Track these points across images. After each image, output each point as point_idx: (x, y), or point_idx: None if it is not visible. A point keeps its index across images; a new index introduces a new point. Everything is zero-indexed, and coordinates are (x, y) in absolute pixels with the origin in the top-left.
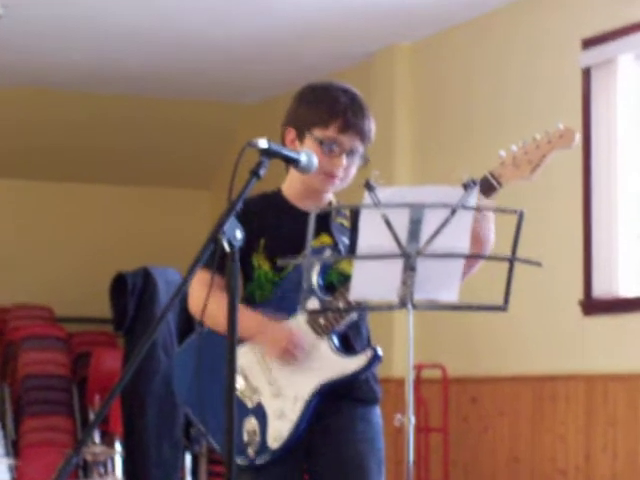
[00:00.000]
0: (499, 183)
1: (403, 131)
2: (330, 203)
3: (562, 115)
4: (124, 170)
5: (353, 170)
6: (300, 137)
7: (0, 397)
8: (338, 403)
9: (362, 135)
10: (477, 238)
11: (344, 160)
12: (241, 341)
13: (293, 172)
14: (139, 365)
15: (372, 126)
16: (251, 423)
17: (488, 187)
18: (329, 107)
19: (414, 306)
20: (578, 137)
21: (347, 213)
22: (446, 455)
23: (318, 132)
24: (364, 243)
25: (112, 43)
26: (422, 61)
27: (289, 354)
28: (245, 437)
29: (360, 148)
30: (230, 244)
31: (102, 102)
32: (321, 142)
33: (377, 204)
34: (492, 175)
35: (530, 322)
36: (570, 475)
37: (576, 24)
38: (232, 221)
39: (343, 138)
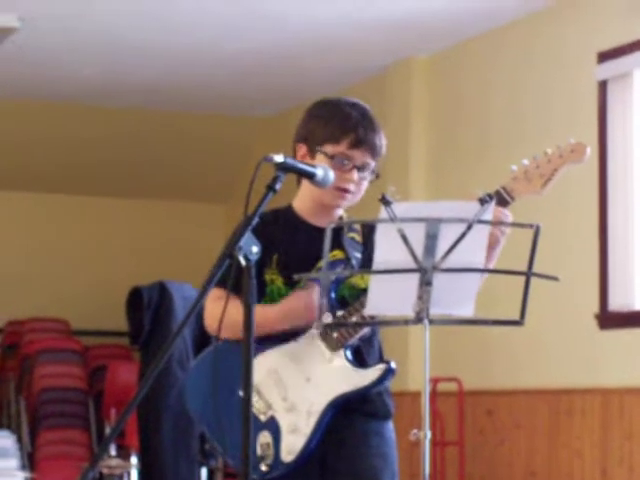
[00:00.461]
0: (511, 197)
1: (419, 145)
2: (341, 218)
3: (578, 128)
4: (140, 184)
5: (365, 185)
6: (311, 153)
7: (16, 410)
8: (352, 417)
9: (373, 150)
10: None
11: (355, 175)
12: (257, 348)
13: (305, 188)
14: (155, 380)
15: (383, 141)
16: (265, 437)
17: (500, 201)
18: (340, 123)
19: (430, 321)
20: (589, 151)
21: (358, 228)
22: (462, 469)
23: (329, 148)
24: (380, 258)
25: (125, 57)
26: (438, 74)
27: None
28: (259, 451)
29: (371, 163)
30: (246, 259)
31: (117, 116)
32: (332, 158)
33: (393, 219)
34: (504, 189)
35: (546, 336)
36: None
37: (592, 37)
38: (248, 236)
39: (355, 153)
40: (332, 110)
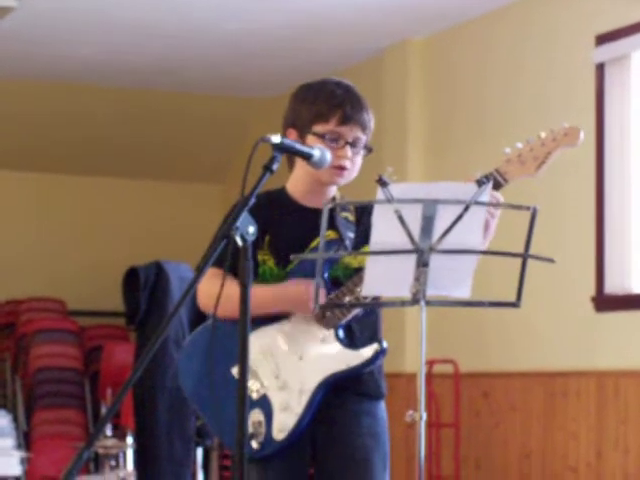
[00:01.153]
0: (505, 180)
1: (415, 126)
2: (334, 198)
3: (575, 111)
4: (136, 164)
5: (359, 160)
6: (302, 136)
7: (12, 390)
8: (344, 397)
9: (362, 125)
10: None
11: (349, 151)
12: (254, 325)
13: (299, 169)
14: (151, 360)
15: (371, 115)
16: (256, 415)
17: (494, 184)
18: (327, 102)
19: (427, 302)
20: (583, 135)
21: (352, 207)
22: (457, 450)
23: (319, 127)
24: (377, 239)
25: (124, 37)
26: (434, 56)
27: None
28: (250, 429)
29: (362, 137)
30: (243, 239)
31: (113, 95)
32: (323, 136)
33: (390, 200)
34: (498, 172)
35: (542, 318)
36: (581, 472)
37: (590, 20)
38: (245, 216)
39: (345, 130)
40: (317, 91)
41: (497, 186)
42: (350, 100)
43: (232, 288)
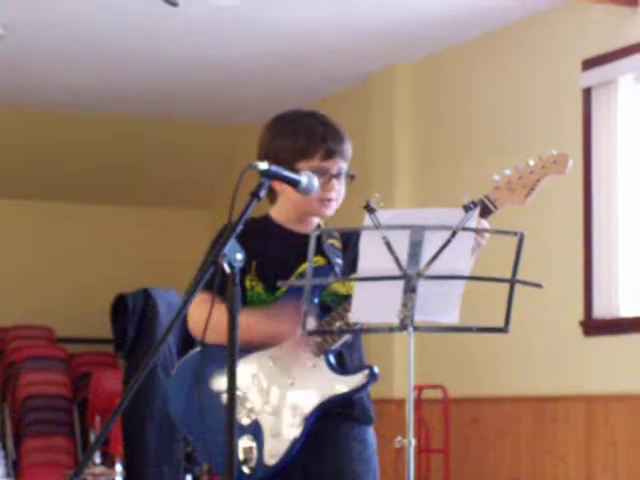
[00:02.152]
0: (495, 207)
1: (403, 150)
2: (319, 226)
3: (562, 135)
4: (123, 191)
5: (343, 189)
6: None
7: (0, 417)
8: (333, 422)
9: (344, 156)
10: None
11: (335, 184)
12: (241, 353)
13: (284, 198)
14: (140, 387)
15: (349, 144)
16: (247, 441)
17: (484, 210)
18: (308, 138)
19: (415, 328)
20: (571, 163)
21: (337, 234)
22: (447, 476)
23: (303, 164)
24: (365, 265)
25: (112, 64)
26: (421, 81)
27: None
28: (241, 455)
29: (344, 167)
30: (231, 266)
31: (100, 123)
32: None
33: (378, 226)
34: (488, 199)
35: (531, 343)
36: None
37: (577, 45)
38: (232, 243)
39: (329, 164)
40: (296, 126)
41: (487, 212)
42: (331, 134)
43: (222, 314)
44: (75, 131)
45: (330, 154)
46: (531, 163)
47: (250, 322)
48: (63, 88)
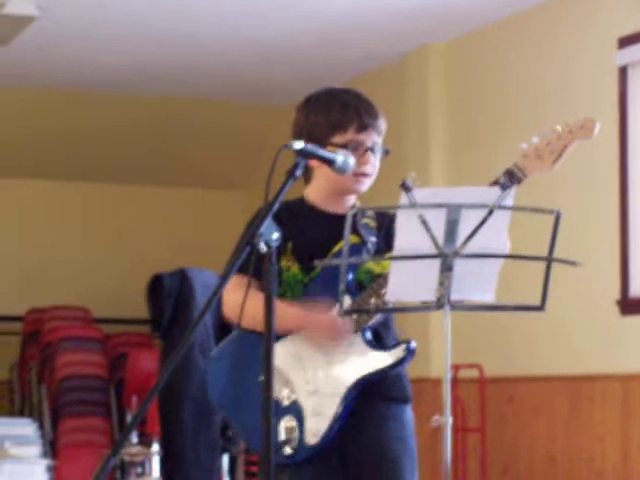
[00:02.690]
0: (524, 174)
1: (438, 131)
2: (354, 206)
3: (599, 114)
4: (158, 171)
5: (377, 165)
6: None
7: (38, 398)
8: (371, 401)
9: (378, 129)
10: None
11: (371, 157)
12: (278, 337)
13: (319, 177)
14: (176, 367)
15: (383, 118)
16: (289, 421)
17: (513, 179)
18: (342, 111)
19: (451, 307)
20: (598, 127)
21: (372, 213)
22: (484, 455)
23: (338, 138)
24: (401, 244)
25: (145, 45)
26: (456, 60)
27: (334, 336)
28: (283, 435)
29: (379, 141)
30: (267, 245)
31: (136, 105)
32: (344, 146)
33: (414, 205)
34: (517, 166)
35: (567, 322)
36: (607, 475)
37: (612, 23)
38: (269, 222)
39: (363, 137)
40: (329, 101)
41: (517, 181)
42: (364, 107)
43: (257, 304)
44: (111, 112)
45: (364, 127)
46: (558, 129)
47: (285, 315)
48: (98, 70)
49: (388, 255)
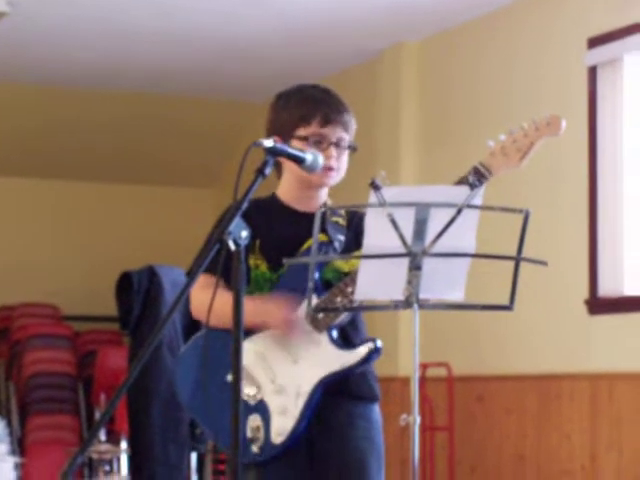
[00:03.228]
0: (489, 172)
1: (409, 129)
2: (325, 204)
3: (568, 113)
4: (127, 169)
5: (345, 160)
6: (286, 141)
7: (6, 395)
8: (339, 401)
9: (344, 124)
10: None
11: (334, 151)
12: (244, 334)
13: (289, 174)
14: (145, 365)
15: (351, 116)
16: (254, 420)
17: (479, 176)
18: (306, 104)
19: (420, 306)
20: (564, 124)
21: (343, 212)
22: (452, 454)
23: (302, 131)
24: (370, 242)
25: (118, 41)
26: (429, 59)
27: (291, 324)
28: (249, 434)
29: (346, 137)
30: (236, 244)
31: (106, 100)
32: (307, 139)
33: (383, 203)
34: (482, 165)
35: (536, 321)
36: (576, 474)
37: (582, 23)
38: (238, 221)
39: (327, 130)
40: (296, 95)
41: (482, 179)
42: (329, 101)
43: (224, 303)
44: (80, 109)
45: (328, 120)
46: (525, 126)
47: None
48: (68, 65)
49: (357, 254)
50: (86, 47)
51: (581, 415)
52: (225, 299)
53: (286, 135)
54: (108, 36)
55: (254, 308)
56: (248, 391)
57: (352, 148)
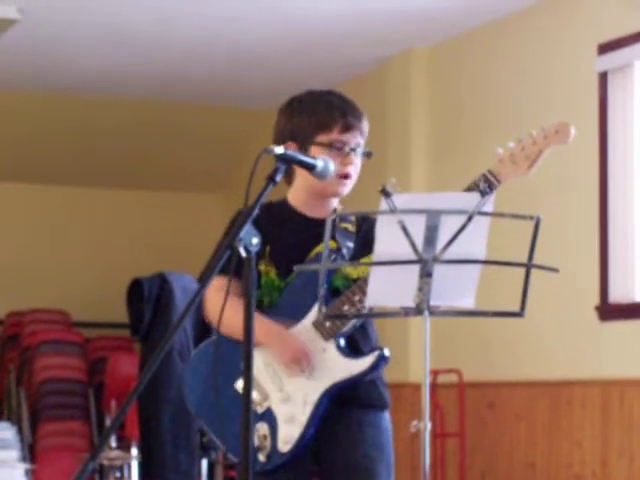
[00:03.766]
0: (498, 180)
1: (419, 136)
2: (334, 210)
3: (578, 120)
4: (138, 175)
5: (359, 166)
6: (303, 148)
7: (17, 401)
8: (347, 408)
9: (362, 131)
10: None
11: (354, 158)
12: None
13: (301, 181)
14: (156, 371)
15: (366, 122)
16: (262, 428)
17: (487, 184)
18: (327, 111)
19: (431, 312)
20: (573, 132)
21: (353, 218)
22: (462, 460)
23: (323, 137)
24: (381, 249)
25: (126, 49)
26: (438, 65)
27: (298, 363)
28: (256, 442)
29: (362, 143)
30: (247, 250)
31: (116, 108)
32: (329, 146)
33: (394, 210)
34: (491, 173)
35: (547, 327)
36: None
37: (592, 29)
38: (248, 227)
39: (347, 137)
40: (313, 102)
41: (490, 187)
42: (349, 108)
43: (235, 314)
44: (90, 116)
45: (349, 127)
46: (534, 134)
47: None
48: (77, 72)
49: (368, 260)
50: (95, 55)
51: (592, 422)
52: (236, 311)
53: (304, 141)
54: (116, 43)
55: (266, 332)
56: (255, 399)
57: (368, 154)
